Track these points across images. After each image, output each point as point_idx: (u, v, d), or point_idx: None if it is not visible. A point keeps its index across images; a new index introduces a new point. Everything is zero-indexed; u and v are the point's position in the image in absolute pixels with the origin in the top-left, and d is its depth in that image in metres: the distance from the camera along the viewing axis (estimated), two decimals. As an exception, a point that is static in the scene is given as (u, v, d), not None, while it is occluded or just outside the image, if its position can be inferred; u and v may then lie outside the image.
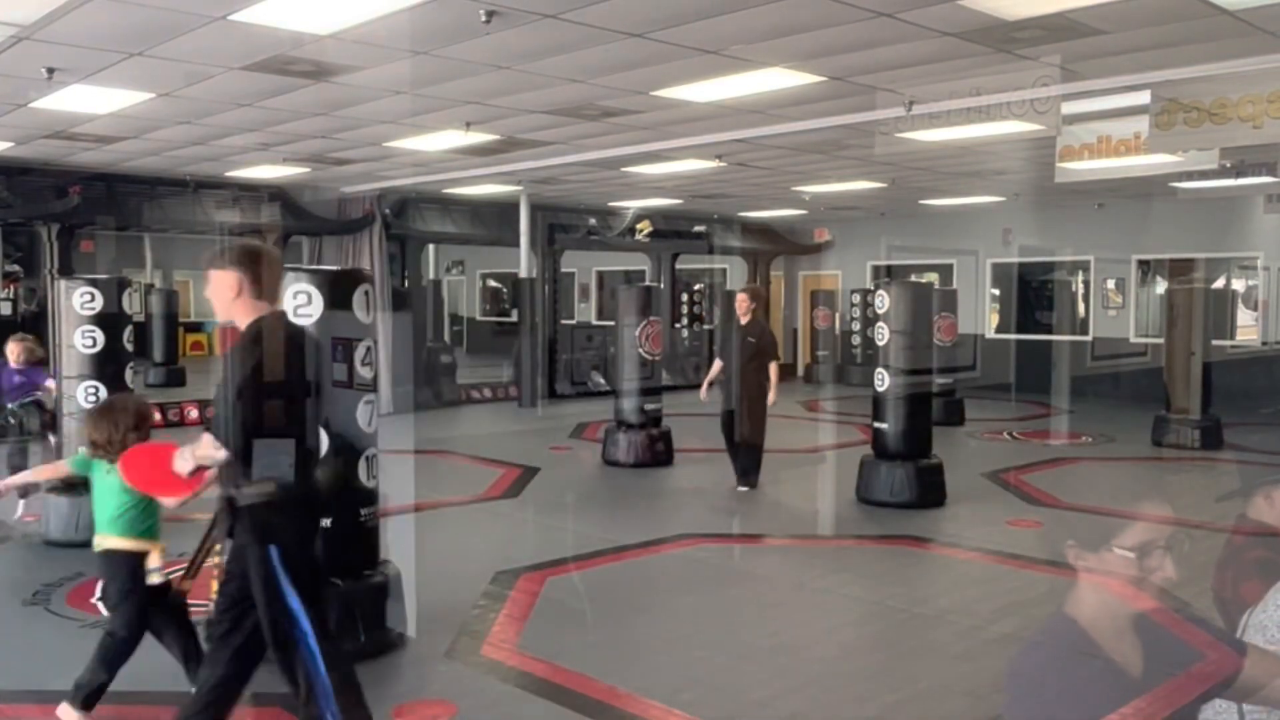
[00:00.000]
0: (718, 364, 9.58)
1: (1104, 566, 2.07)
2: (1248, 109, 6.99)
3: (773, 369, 9.12)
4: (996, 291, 19.17)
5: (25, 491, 6.92)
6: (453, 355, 17.35)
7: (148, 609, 4.24)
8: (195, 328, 24.57)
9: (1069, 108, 7.69)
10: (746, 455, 9.27)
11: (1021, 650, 2.19)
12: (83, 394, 7.32)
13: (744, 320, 9.34)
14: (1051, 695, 2.01)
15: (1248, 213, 15.53)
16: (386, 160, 12.22)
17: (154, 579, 4.21)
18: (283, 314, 3.72)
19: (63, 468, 4.69)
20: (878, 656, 5.42)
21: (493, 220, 17.27)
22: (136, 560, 4.19)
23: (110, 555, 4.21)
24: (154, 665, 5.08)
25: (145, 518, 4.20)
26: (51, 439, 7.63)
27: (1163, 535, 2.10)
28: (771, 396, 9.11)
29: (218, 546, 3.82)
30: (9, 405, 7.82)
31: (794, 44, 6.75)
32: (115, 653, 4.19)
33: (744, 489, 9.27)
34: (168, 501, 4.00)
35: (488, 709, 4.55)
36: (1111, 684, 2.01)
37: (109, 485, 4.17)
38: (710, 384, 9.71)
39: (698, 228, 19.74)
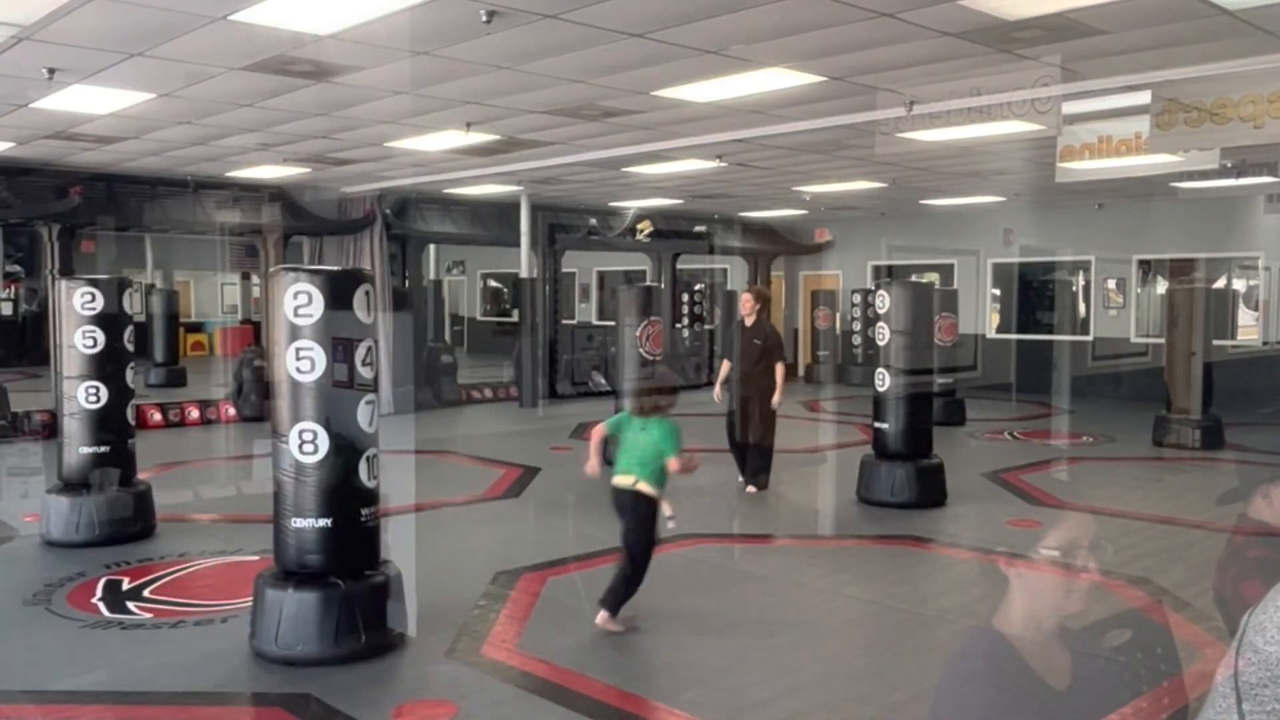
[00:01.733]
0: (726, 365, 9.40)
1: (1035, 571, 2.07)
2: (1248, 109, 6.98)
3: (779, 370, 9.00)
4: (997, 291, 19.16)
5: None
6: (453, 355, 17.34)
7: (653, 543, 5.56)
8: (196, 328, 24.61)
9: (1069, 108, 7.68)
10: (757, 456, 9.22)
11: (945, 667, 2.16)
12: (83, 394, 7.32)
13: (749, 321, 9.23)
14: (974, 713, 2.00)
15: (1248, 213, 15.52)
16: (387, 160, 12.22)
17: (670, 524, 5.61)
18: None
19: (602, 429, 5.72)
20: (878, 656, 5.42)
21: (493, 220, 17.27)
22: (656, 506, 5.50)
23: (640, 497, 5.49)
24: (155, 665, 5.10)
25: (664, 476, 5.51)
26: None
27: (1086, 534, 2.09)
28: (776, 398, 8.99)
29: None
30: None
31: (794, 44, 6.74)
32: (632, 577, 5.52)
33: (753, 490, 9.22)
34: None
35: (488, 709, 4.56)
36: (1035, 699, 1.99)
37: (647, 440, 5.47)
38: (724, 384, 9.48)
39: (698, 228, 19.74)
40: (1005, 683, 1.97)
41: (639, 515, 5.50)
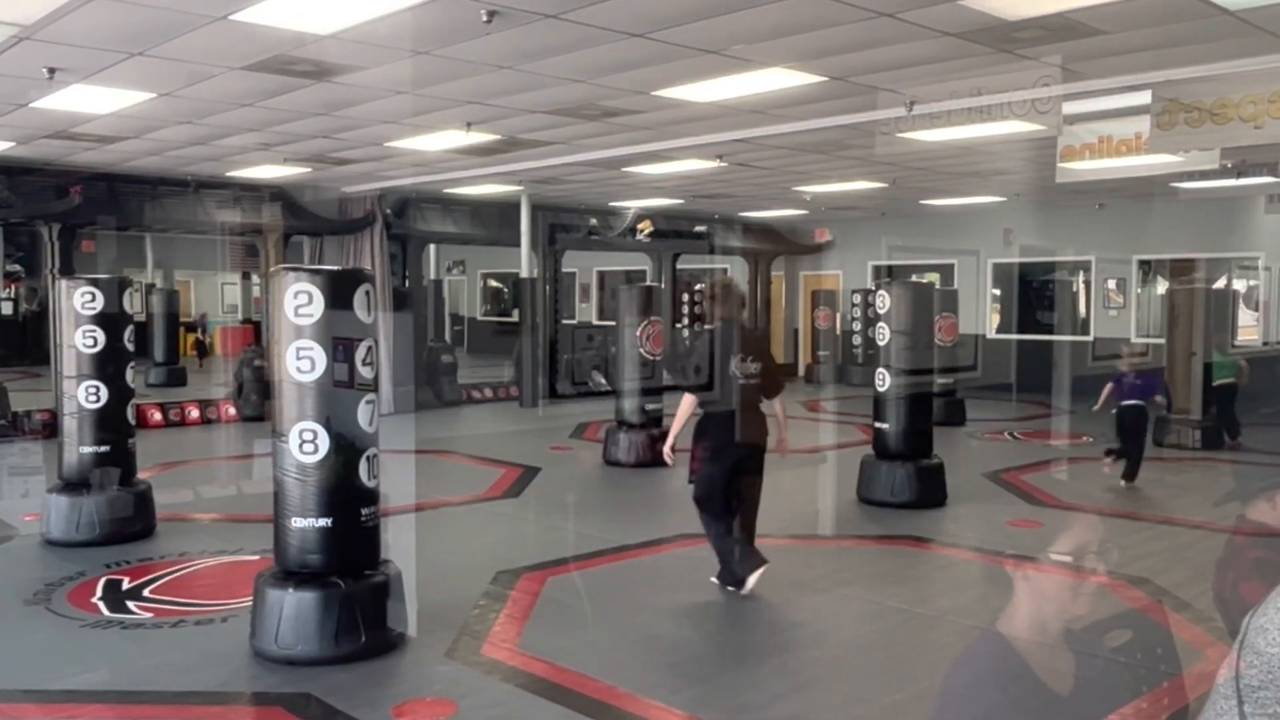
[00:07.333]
0: None
1: (1042, 574, 2.07)
2: (1249, 109, 6.98)
3: None
4: (997, 292, 19.16)
5: None
6: (453, 355, 17.35)
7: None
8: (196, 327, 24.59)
9: (1070, 108, 7.68)
10: None
11: (948, 670, 2.16)
12: (84, 394, 7.32)
13: None
14: (977, 716, 2.00)
15: (1249, 213, 15.51)
16: (387, 160, 12.22)
17: None
18: None
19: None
20: (877, 657, 5.42)
21: (493, 220, 17.27)
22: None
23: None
24: (155, 665, 5.11)
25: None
26: None
27: (1095, 538, 2.09)
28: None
29: None
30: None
31: (795, 44, 6.74)
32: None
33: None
34: None
35: (488, 708, 4.56)
36: (1036, 702, 2.00)
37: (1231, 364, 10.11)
38: None
39: (698, 228, 19.75)
40: (1008, 686, 1.97)
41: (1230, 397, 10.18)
